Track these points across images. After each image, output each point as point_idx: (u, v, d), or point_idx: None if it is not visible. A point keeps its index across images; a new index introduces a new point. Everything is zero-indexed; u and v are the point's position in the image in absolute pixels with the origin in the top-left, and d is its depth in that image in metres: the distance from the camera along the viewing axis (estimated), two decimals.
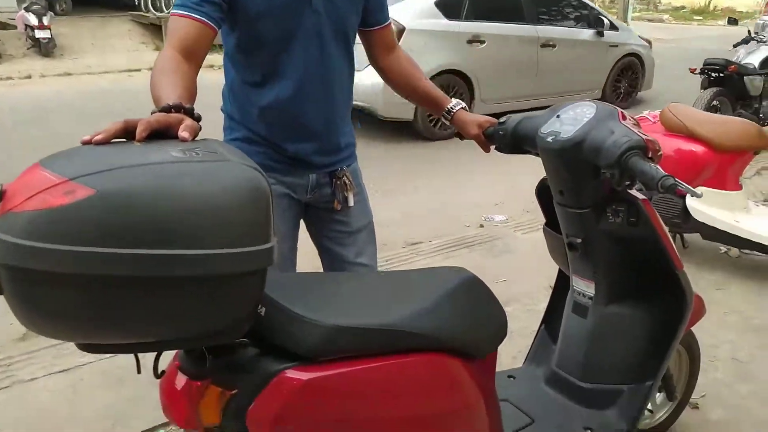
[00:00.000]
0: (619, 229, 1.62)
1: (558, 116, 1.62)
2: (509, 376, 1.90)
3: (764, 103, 6.24)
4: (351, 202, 1.81)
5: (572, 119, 1.57)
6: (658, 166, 1.41)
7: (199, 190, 0.93)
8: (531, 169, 2.27)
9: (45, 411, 2.24)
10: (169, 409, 1.18)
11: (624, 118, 1.54)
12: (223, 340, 1.09)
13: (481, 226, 4.21)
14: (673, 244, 1.65)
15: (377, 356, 1.22)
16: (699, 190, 1.48)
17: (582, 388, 1.76)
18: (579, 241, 1.68)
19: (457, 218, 4.31)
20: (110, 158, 0.95)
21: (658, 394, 2.01)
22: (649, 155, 1.43)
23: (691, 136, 3.28)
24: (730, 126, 3.36)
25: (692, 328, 2.04)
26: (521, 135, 1.69)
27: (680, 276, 1.64)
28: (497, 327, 1.45)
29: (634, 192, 1.59)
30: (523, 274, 3.32)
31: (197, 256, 0.92)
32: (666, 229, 1.64)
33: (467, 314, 1.36)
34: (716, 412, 2.26)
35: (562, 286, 1.94)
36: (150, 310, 0.95)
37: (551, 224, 1.83)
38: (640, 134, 1.46)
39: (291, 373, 1.14)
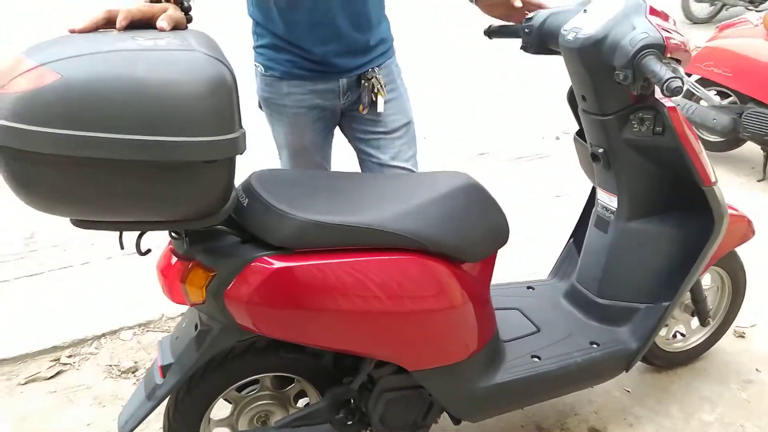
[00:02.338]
0: (644, 139, 1.51)
1: (585, 11, 1.49)
2: (529, 287, 1.89)
3: None
4: (380, 108, 1.74)
5: (597, 14, 1.44)
6: (679, 68, 1.28)
7: (156, 77, 0.97)
8: None
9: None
10: (163, 286, 1.30)
11: (654, 12, 1.39)
12: (200, 225, 1.16)
13: (558, 138, 4.03)
14: (704, 158, 1.52)
15: (355, 252, 1.25)
16: (716, 96, 1.32)
17: (597, 303, 1.72)
18: (601, 150, 1.59)
19: (532, 128, 4.16)
20: (82, 46, 1.01)
21: (691, 318, 1.92)
22: (668, 55, 1.30)
23: None
24: None
25: (739, 252, 1.91)
26: (548, 32, 1.58)
27: (708, 193, 1.51)
28: (493, 233, 1.43)
29: (660, 98, 1.45)
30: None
31: (156, 142, 0.97)
32: (695, 141, 1.50)
33: (456, 218, 1.36)
34: (764, 343, 2.12)
35: (593, 199, 1.86)
36: (123, 191, 1.03)
37: (582, 133, 1.73)
38: (664, 32, 1.32)
39: (265, 260, 1.21)
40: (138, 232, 1.18)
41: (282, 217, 1.21)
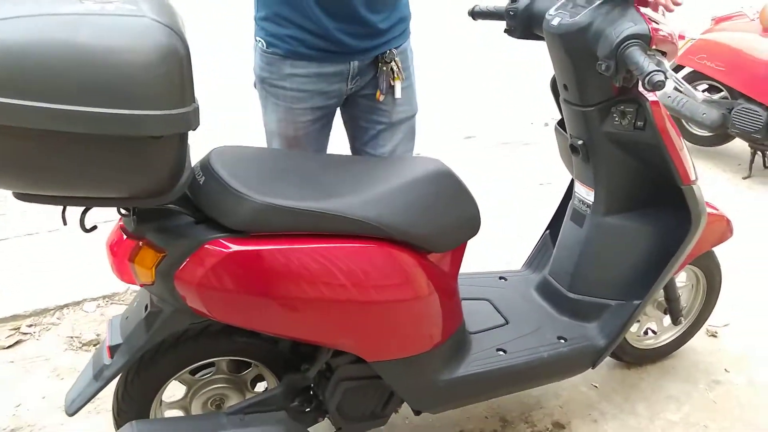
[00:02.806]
0: (625, 133, 1.46)
1: None
2: (501, 278, 1.85)
3: None
4: (398, 93, 1.62)
5: (586, 1, 1.38)
6: (664, 61, 1.23)
7: (100, 44, 0.90)
8: None
9: None
10: (111, 265, 1.24)
11: (642, 1, 1.33)
12: (149, 203, 1.11)
13: (546, 125, 3.97)
14: (685, 156, 1.47)
15: (315, 239, 1.20)
16: (702, 93, 1.27)
17: (568, 297, 1.69)
18: (581, 142, 1.54)
19: (521, 114, 4.09)
20: (21, 6, 0.93)
21: (663, 316, 1.90)
22: (654, 47, 1.24)
23: None
24: None
25: (716, 252, 1.88)
26: (533, 16, 1.51)
27: (686, 192, 1.47)
28: (463, 223, 1.39)
29: (643, 91, 1.40)
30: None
31: (98, 114, 0.91)
32: (677, 138, 1.45)
33: (424, 207, 1.31)
34: (735, 343, 2.11)
35: (571, 191, 1.81)
36: (63, 166, 0.97)
37: (564, 122, 1.68)
38: (652, 22, 1.26)
39: (217, 243, 1.15)
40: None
41: (238, 198, 1.15)
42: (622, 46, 1.23)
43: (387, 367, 1.35)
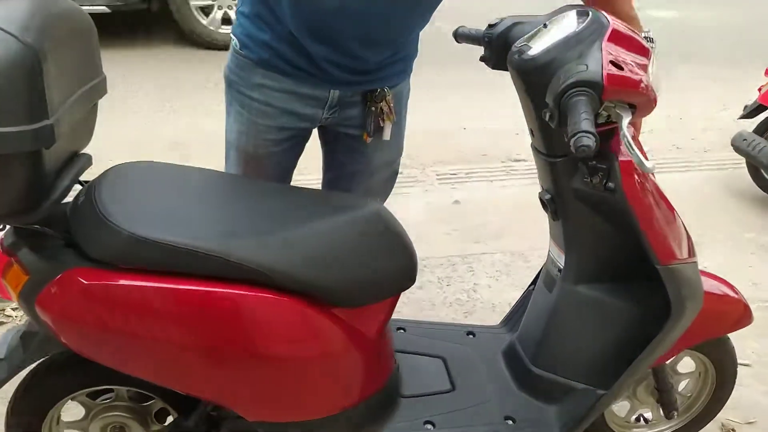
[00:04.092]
0: (595, 193, 1.22)
1: (545, 25, 1.20)
2: (469, 333, 1.64)
3: None
4: (386, 135, 1.44)
5: (554, 32, 1.16)
6: (624, 117, 1.00)
7: None
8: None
9: None
10: None
11: (616, 37, 1.08)
12: (10, 222, 1.04)
13: None
14: (669, 230, 1.20)
15: (188, 280, 1.08)
16: (650, 163, 1.02)
17: (530, 371, 1.45)
18: (548, 197, 1.31)
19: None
20: None
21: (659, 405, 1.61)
22: (609, 98, 1.01)
23: None
24: None
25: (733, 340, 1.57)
26: (508, 45, 1.29)
27: (662, 273, 1.21)
28: (387, 277, 1.22)
29: (624, 148, 1.14)
30: None
31: None
32: (657, 207, 1.19)
33: (335, 257, 1.15)
34: None
35: None
36: None
37: None
38: (614, 67, 1.03)
39: (78, 273, 1.06)
40: None
41: (104, 226, 1.05)
42: (566, 95, 1.00)
43: (272, 429, 1.20)
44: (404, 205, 2.79)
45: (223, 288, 1.08)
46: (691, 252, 1.29)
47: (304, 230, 1.15)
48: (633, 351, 1.33)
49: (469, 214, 2.75)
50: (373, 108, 1.39)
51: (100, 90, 1.19)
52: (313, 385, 1.19)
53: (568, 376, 1.40)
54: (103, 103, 1.22)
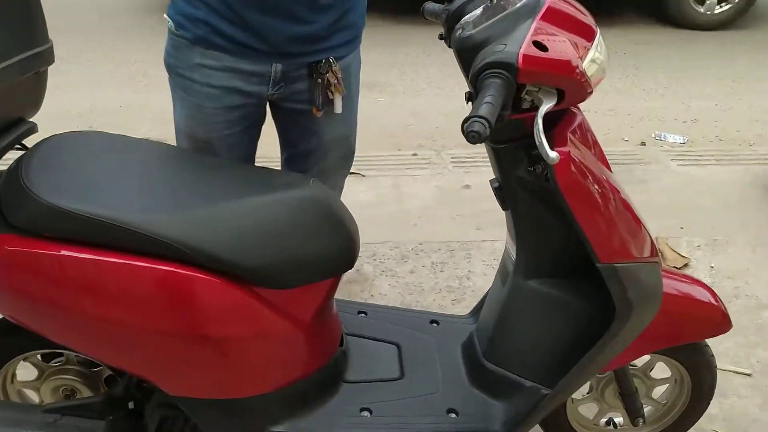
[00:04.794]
0: (537, 182, 1.14)
1: (491, 2, 1.12)
2: (433, 321, 1.59)
3: None
4: (338, 108, 1.42)
5: (494, 10, 1.08)
6: (547, 103, 0.93)
7: None
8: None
9: None
10: None
11: (551, 15, 1.00)
12: None
13: (643, 144, 3.43)
14: (604, 228, 1.11)
15: (109, 252, 1.08)
16: (554, 153, 0.93)
17: (483, 365, 1.40)
18: (497, 185, 1.24)
19: (621, 129, 3.57)
20: None
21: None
22: (521, 80, 0.93)
23: None
24: None
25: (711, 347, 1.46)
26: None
27: (602, 272, 1.12)
28: (321, 258, 1.19)
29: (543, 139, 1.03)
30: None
31: None
32: (601, 200, 1.10)
33: (260, 236, 1.13)
34: None
35: None
36: None
37: None
38: (538, 48, 0.95)
39: (2, 239, 1.08)
40: None
41: (25, 195, 1.06)
42: (481, 75, 0.93)
43: (195, 406, 1.20)
44: (413, 186, 2.75)
45: (140, 262, 1.07)
46: (653, 252, 1.20)
47: (232, 207, 1.14)
48: (584, 351, 1.25)
49: (477, 200, 2.67)
50: (320, 80, 1.36)
51: (46, 58, 1.19)
52: (236, 364, 1.18)
53: (517, 372, 1.34)
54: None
